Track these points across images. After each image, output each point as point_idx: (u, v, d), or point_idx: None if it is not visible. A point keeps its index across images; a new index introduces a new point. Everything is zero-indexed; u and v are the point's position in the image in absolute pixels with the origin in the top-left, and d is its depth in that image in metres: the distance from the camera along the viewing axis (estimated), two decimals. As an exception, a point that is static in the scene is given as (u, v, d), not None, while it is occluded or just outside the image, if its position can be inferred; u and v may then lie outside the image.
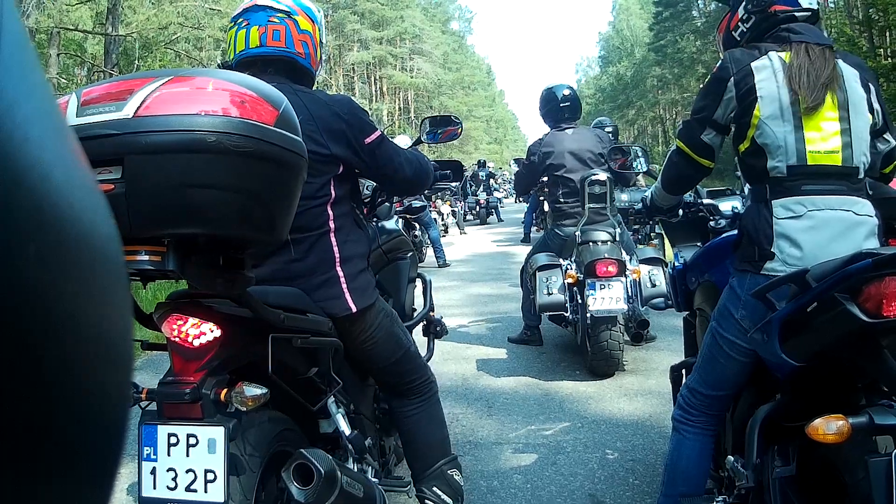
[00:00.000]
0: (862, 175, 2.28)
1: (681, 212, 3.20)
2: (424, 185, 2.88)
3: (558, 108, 5.96)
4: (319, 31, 2.53)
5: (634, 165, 4.01)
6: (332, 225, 2.41)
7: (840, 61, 2.31)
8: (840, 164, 2.24)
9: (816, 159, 2.23)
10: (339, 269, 2.42)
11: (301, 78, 2.48)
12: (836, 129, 2.25)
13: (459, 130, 3.56)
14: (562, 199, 5.80)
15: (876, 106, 2.36)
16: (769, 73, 2.29)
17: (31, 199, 0.35)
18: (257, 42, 2.41)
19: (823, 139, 2.24)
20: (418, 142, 3.61)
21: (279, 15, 2.40)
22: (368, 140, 2.45)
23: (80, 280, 0.38)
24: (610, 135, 7.11)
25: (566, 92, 6.04)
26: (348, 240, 2.46)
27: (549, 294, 5.31)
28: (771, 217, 2.25)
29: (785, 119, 2.25)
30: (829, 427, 1.81)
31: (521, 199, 13.46)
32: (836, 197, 2.23)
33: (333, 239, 2.41)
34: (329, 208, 2.41)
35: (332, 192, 2.40)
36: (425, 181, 2.84)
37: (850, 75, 2.31)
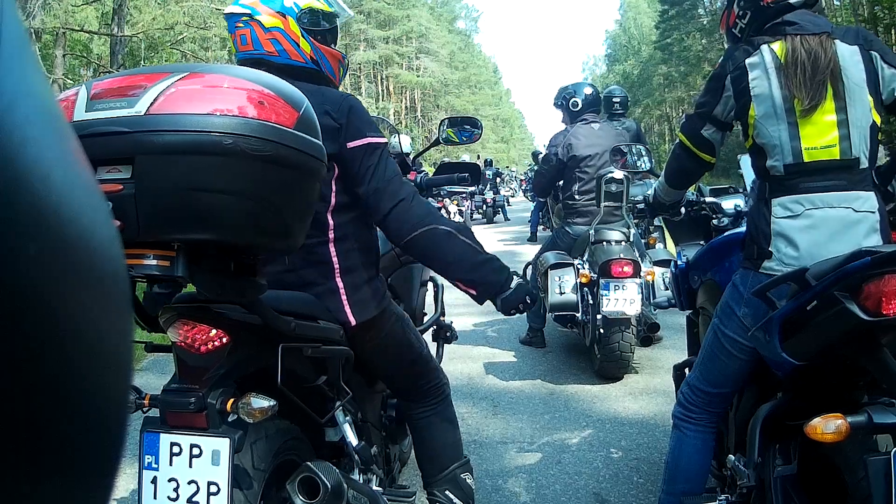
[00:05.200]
0: (864, 165, 2.24)
1: (683, 210, 3.19)
2: (411, 225, 2.28)
3: (600, 101, 5.86)
4: (305, 18, 2.35)
5: (638, 164, 3.99)
6: (331, 234, 2.29)
7: (838, 43, 2.25)
8: (838, 157, 2.21)
9: (813, 155, 2.21)
10: (339, 280, 2.30)
11: (302, 76, 2.31)
12: (833, 120, 2.21)
13: (478, 136, 3.55)
14: (577, 196, 5.70)
15: (889, 72, 2.25)
16: (761, 70, 2.27)
17: (31, 200, 0.35)
18: (234, 49, 2.36)
19: (820, 134, 2.21)
20: (436, 143, 3.58)
21: (243, 19, 2.31)
22: (351, 145, 2.24)
23: (79, 280, 0.39)
24: (629, 132, 7.05)
25: (588, 91, 5.96)
26: (353, 248, 2.34)
27: (561, 294, 5.21)
28: (770, 216, 2.25)
29: (779, 117, 2.24)
30: (827, 426, 1.81)
31: (538, 198, 13.13)
32: (836, 193, 2.21)
33: (333, 249, 2.30)
34: (329, 216, 2.28)
35: (333, 199, 2.28)
36: (416, 223, 2.28)
37: (849, 57, 2.24)
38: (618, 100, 7.88)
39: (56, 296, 0.37)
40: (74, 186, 0.40)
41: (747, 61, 2.30)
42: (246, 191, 1.51)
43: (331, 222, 2.29)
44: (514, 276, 2.39)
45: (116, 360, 0.43)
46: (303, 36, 2.35)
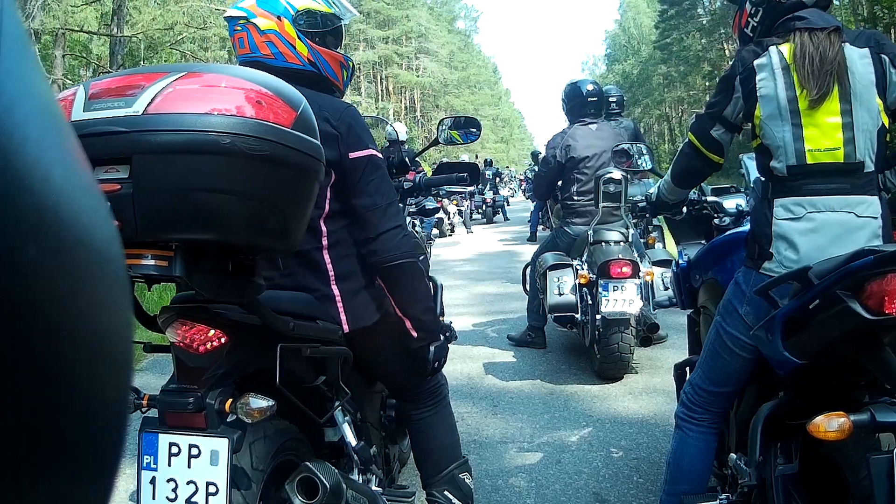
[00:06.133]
0: (870, 168, 2.21)
1: (685, 209, 3.19)
2: (386, 253, 2.28)
3: (586, 103, 5.86)
4: (301, 19, 2.35)
5: (639, 163, 3.97)
6: (324, 241, 2.29)
7: (847, 45, 2.23)
8: (842, 160, 2.19)
9: (817, 158, 2.19)
10: (334, 286, 2.30)
11: (302, 81, 2.28)
12: (838, 122, 2.19)
13: (477, 136, 3.54)
14: (576, 197, 5.70)
15: (895, 77, 2.22)
16: (768, 71, 2.25)
17: (30, 200, 0.35)
18: (235, 53, 2.36)
19: (824, 136, 2.19)
20: (435, 142, 3.56)
21: (240, 22, 2.31)
22: (353, 155, 2.25)
23: (79, 280, 0.39)
24: (626, 131, 7.04)
25: (590, 87, 5.96)
26: (347, 255, 2.33)
27: (560, 294, 5.21)
28: (771, 217, 2.24)
29: (783, 118, 2.22)
30: (830, 424, 1.80)
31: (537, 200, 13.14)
32: (839, 197, 2.19)
33: (327, 256, 2.30)
34: (322, 223, 2.28)
35: (327, 206, 2.28)
36: (393, 256, 2.29)
37: (857, 59, 2.22)
38: (614, 99, 7.88)
39: (56, 296, 0.36)
40: (74, 186, 0.39)
41: (755, 62, 2.29)
42: (244, 190, 1.51)
43: (324, 229, 2.29)
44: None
45: (116, 360, 0.43)
46: (299, 38, 2.34)
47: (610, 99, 7.66)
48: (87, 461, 0.41)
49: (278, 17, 2.31)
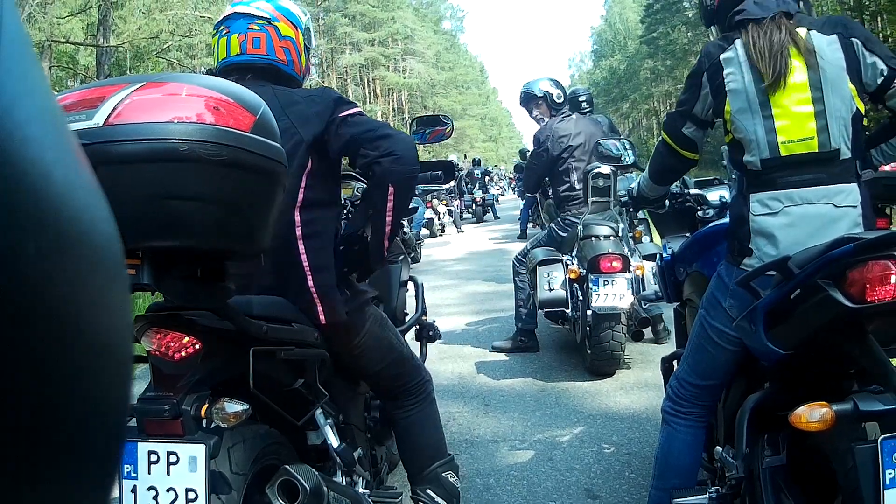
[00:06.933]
0: (846, 156, 2.18)
1: (668, 202, 3.18)
2: (408, 165, 2.27)
3: (565, 102, 5.98)
4: (305, 35, 2.47)
5: (624, 159, 3.97)
6: (298, 232, 2.27)
7: (814, 33, 2.21)
8: (817, 150, 2.16)
9: (790, 149, 2.17)
10: (309, 279, 2.27)
11: (287, 84, 2.40)
12: (810, 111, 2.17)
13: (448, 130, 3.49)
14: (577, 186, 5.67)
15: (870, 60, 2.20)
16: (735, 65, 2.25)
17: (31, 199, 0.35)
18: (237, 50, 2.36)
19: (796, 127, 2.17)
20: None
21: (259, 22, 2.35)
22: (344, 113, 2.27)
23: (79, 280, 0.39)
24: (603, 125, 7.09)
25: (556, 90, 6.03)
26: (322, 247, 2.32)
27: (550, 290, 5.22)
28: (748, 213, 2.22)
29: (753, 111, 2.21)
30: (812, 415, 1.79)
31: (528, 195, 13.10)
32: (815, 188, 2.16)
33: (301, 247, 2.27)
34: (297, 212, 2.26)
35: (301, 195, 2.26)
36: (411, 159, 2.28)
37: (825, 45, 2.19)
38: (583, 98, 7.97)
39: (56, 295, 0.37)
40: (75, 185, 0.40)
41: (722, 57, 2.28)
42: (206, 196, 1.52)
43: (297, 219, 2.28)
44: None
45: (116, 360, 0.43)
46: (305, 51, 2.47)
47: (579, 98, 7.73)
48: (88, 462, 0.42)
49: (295, 27, 2.42)
